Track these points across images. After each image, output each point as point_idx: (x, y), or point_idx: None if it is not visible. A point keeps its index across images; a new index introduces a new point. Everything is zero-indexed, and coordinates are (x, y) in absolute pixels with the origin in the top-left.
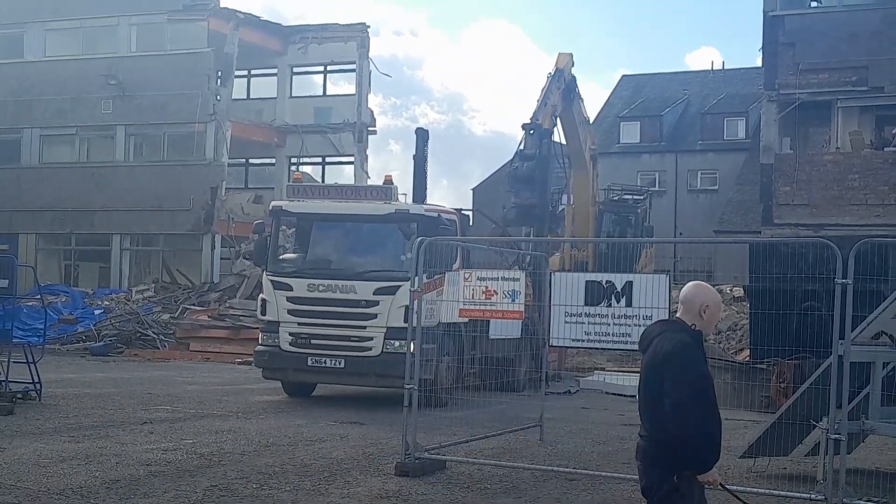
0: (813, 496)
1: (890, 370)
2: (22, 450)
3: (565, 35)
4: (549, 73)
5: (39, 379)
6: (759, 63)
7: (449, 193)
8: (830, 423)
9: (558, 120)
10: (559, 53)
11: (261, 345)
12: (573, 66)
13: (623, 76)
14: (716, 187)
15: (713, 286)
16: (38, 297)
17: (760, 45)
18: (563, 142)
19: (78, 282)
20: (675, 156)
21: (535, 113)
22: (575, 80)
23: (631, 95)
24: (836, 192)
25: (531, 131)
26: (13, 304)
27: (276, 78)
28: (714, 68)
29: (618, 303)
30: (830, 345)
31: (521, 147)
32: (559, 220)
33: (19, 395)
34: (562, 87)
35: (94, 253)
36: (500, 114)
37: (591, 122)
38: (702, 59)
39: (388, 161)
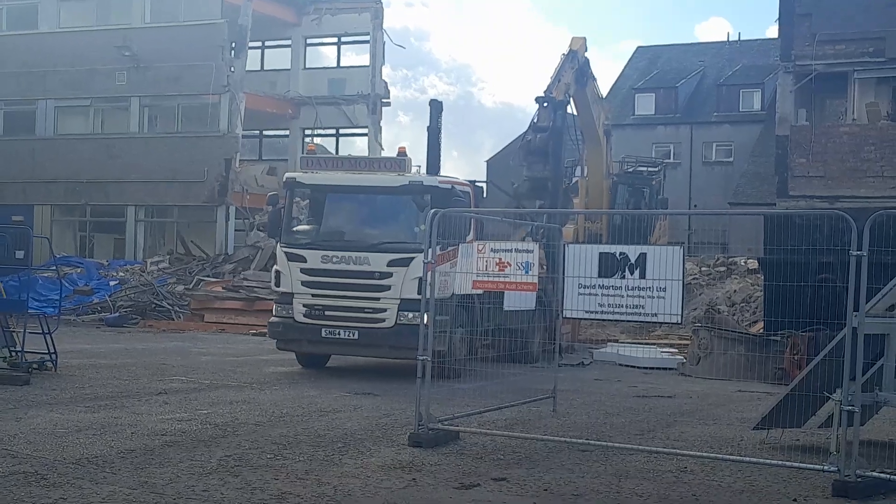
0: (826, 468)
1: None
2: (38, 420)
3: (570, 3)
4: (563, 54)
5: (55, 349)
6: (774, 34)
7: (460, 165)
8: (844, 394)
9: (571, 100)
10: (573, 37)
11: (275, 316)
12: (587, 50)
13: (638, 47)
14: (731, 159)
15: (727, 258)
16: (54, 268)
17: (777, 16)
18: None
19: (93, 253)
20: (690, 127)
21: (548, 87)
22: (588, 63)
23: (646, 67)
24: (852, 164)
25: (545, 104)
26: (29, 275)
27: (290, 49)
28: (730, 39)
29: (631, 275)
30: (844, 317)
31: (535, 120)
32: (570, 198)
33: (35, 366)
34: (575, 66)
35: (109, 224)
36: (508, 85)
37: (604, 97)
38: (711, 29)
39: (398, 133)
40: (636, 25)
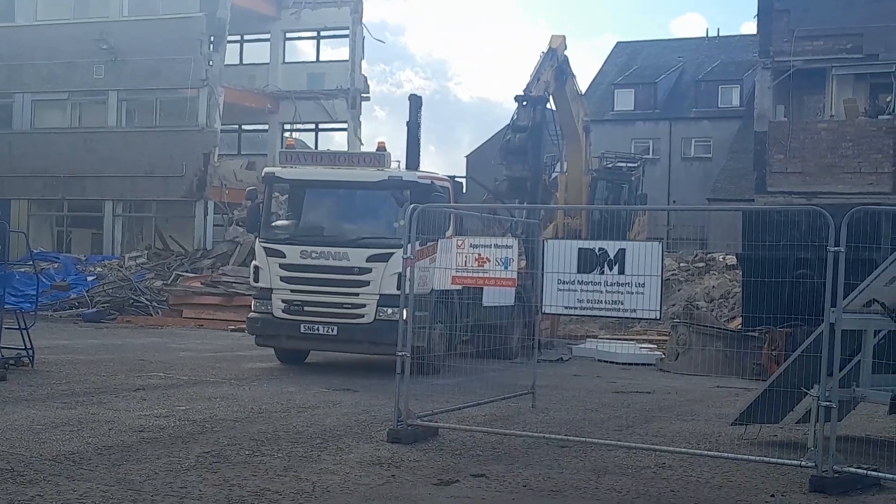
0: (803, 463)
1: (881, 338)
2: (14, 416)
3: None
4: (542, 52)
5: (32, 345)
6: (750, 29)
7: (437, 160)
8: (821, 390)
9: (551, 97)
10: (552, 35)
11: (253, 312)
12: (566, 48)
13: (617, 43)
14: (710, 155)
15: (706, 254)
16: (31, 263)
17: (755, 12)
18: (555, 109)
19: (70, 248)
20: (669, 123)
21: (527, 85)
22: (567, 61)
23: (625, 62)
24: (830, 161)
25: (524, 103)
26: (5, 270)
27: (268, 43)
28: (709, 35)
29: (610, 270)
30: (822, 312)
31: (514, 119)
32: (551, 193)
33: (12, 362)
34: (555, 65)
35: (87, 219)
36: (484, 80)
37: (583, 93)
38: (688, 25)
39: (375, 127)
40: (611, 20)
